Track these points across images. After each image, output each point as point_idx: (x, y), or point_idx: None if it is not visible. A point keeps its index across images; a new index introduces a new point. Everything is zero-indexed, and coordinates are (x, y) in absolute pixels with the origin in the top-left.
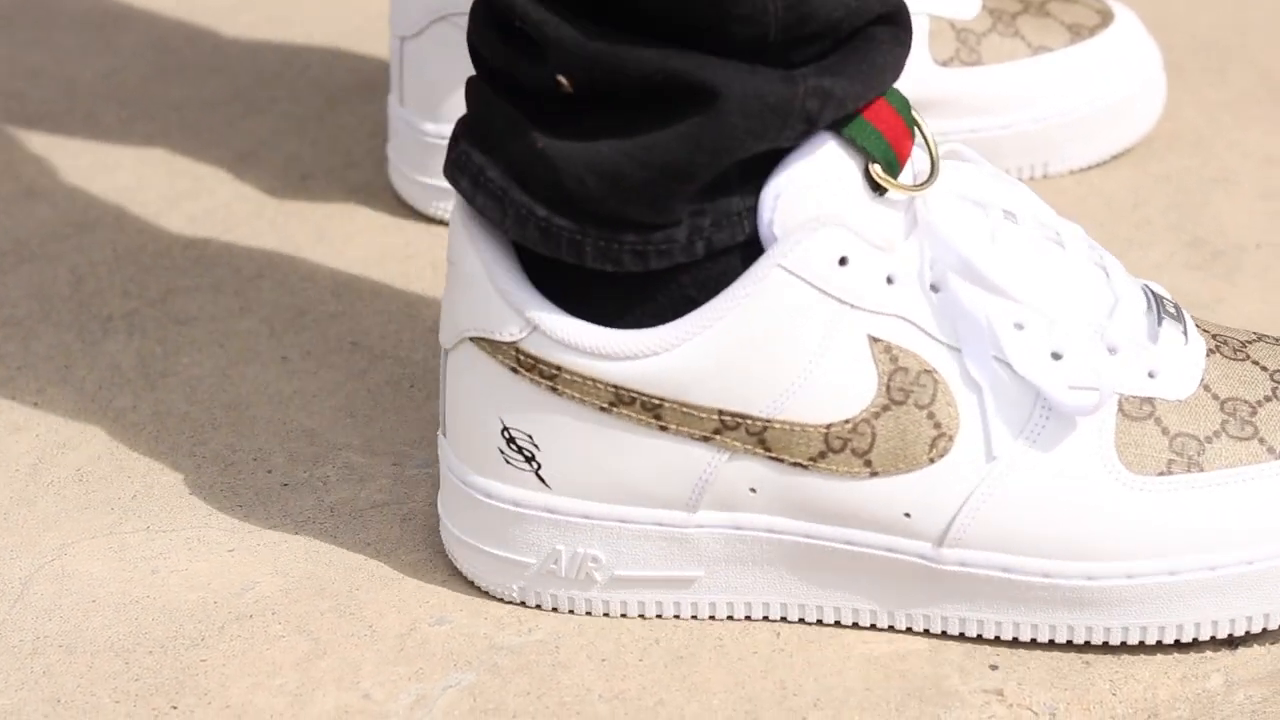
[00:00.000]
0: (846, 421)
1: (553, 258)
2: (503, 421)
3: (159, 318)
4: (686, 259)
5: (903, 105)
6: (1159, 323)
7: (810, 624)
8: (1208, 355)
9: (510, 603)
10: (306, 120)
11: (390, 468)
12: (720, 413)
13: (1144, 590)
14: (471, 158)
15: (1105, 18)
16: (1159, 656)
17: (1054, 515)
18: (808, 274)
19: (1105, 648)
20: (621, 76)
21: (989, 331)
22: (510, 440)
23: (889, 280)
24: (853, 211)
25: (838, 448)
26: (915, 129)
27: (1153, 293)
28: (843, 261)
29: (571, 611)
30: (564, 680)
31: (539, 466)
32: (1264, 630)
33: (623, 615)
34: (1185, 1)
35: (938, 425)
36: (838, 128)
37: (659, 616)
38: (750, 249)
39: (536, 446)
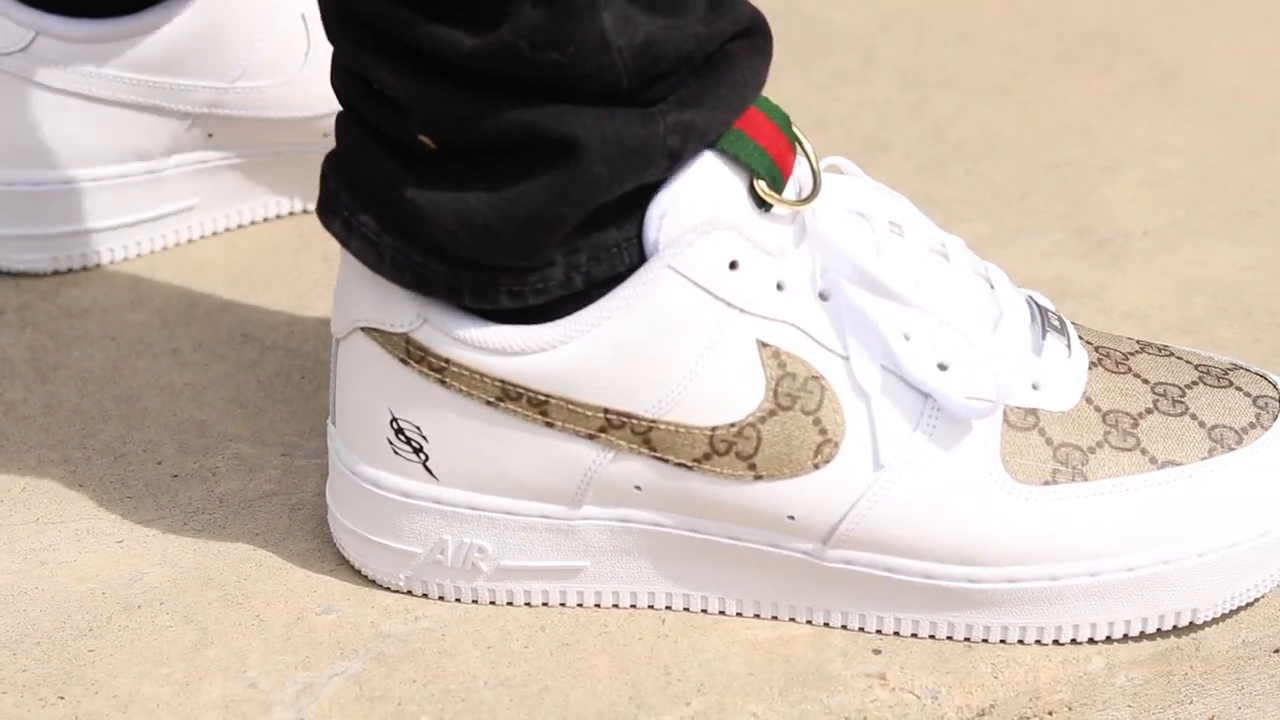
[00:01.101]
0: (732, 425)
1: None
2: (392, 412)
3: (51, 310)
4: (565, 293)
5: (783, 120)
6: (1043, 335)
7: (695, 612)
8: (1090, 368)
9: (397, 591)
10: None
11: (280, 459)
12: (606, 411)
13: (1026, 593)
14: (342, 199)
15: None
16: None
17: (939, 522)
18: (697, 276)
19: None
20: (480, 134)
21: (878, 340)
22: (399, 431)
23: (779, 287)
24: (742, 218)
25: (723, 450)
26: (796, 143)
27: (1037, 305)
28: (733, 265)
29: (458, 600)
30: (450, 668)
31: (427, 458)
32: (1141, 633)
33: (509, 604)
34: None
35: (823, 432)
36: (722, 148)
37: (545, 605)
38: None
39: (425, 438)
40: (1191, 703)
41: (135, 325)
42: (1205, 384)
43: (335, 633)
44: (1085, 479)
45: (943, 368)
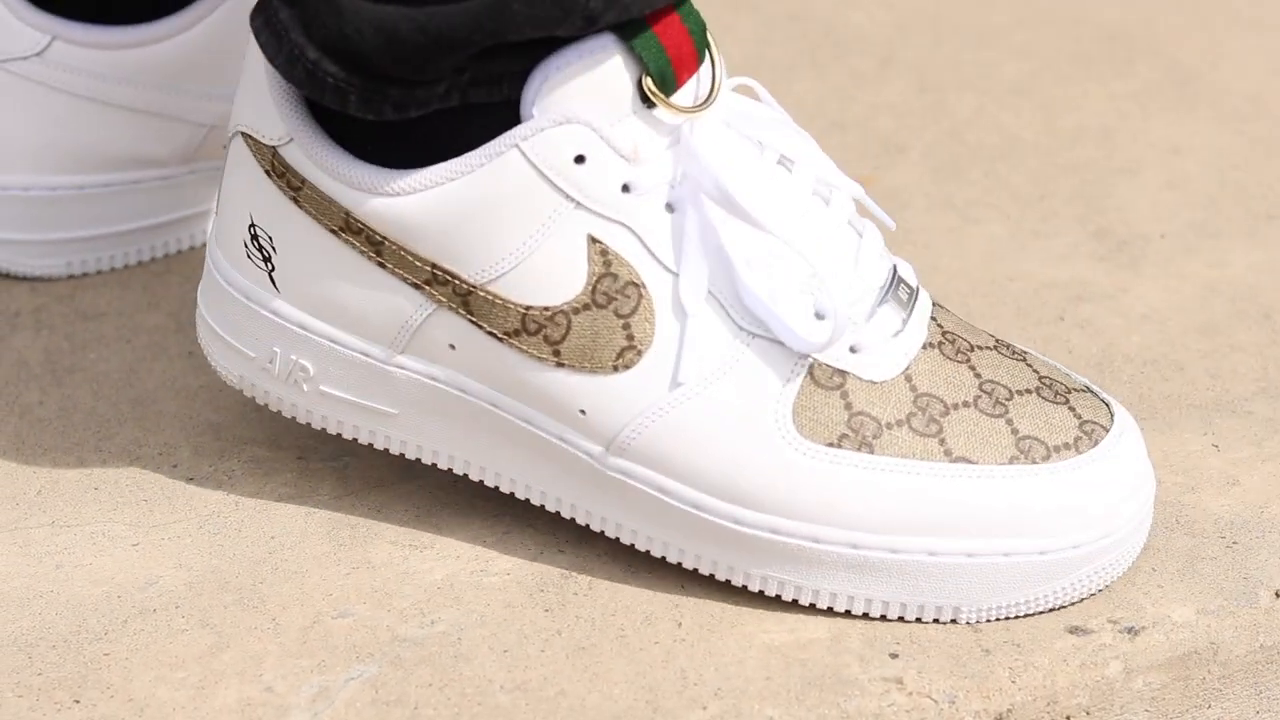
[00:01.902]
0: (546, 309)
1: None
2: (251, 218)
3: (66, 313)
4: (441, 106)
5: (698, 28)
6: (880, 303)
7: (707, 612)
8: (924, 348)
9: (233, 387)
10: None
11: (295, 462)
12: (434, 266)
13: (786, 549)
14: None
15: None
16: (1058, 644)
17: (716, 454)
18: (540, 163)
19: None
20: None
21: (719, 258)
22: (254, 237)
23: (624, 188)
24: (605, 115)
25: (532, 330)
26: (706, 52)
27: (897, 275)
28: (579, 159)
29: (280, 412)
30: (466, 672)
31: (273, 269)
32: (900, 618)
33: (325, 430)
34: None
35: (630, 338)
36: (626, 35)
37: (356, 440)
38: (509, 116)
39: (274, 249)
40: (1209, 707)
41: (150, 328)
42: (1040, 395)
43: (351, 636)
44: (871, 451)
45: (772, 299)
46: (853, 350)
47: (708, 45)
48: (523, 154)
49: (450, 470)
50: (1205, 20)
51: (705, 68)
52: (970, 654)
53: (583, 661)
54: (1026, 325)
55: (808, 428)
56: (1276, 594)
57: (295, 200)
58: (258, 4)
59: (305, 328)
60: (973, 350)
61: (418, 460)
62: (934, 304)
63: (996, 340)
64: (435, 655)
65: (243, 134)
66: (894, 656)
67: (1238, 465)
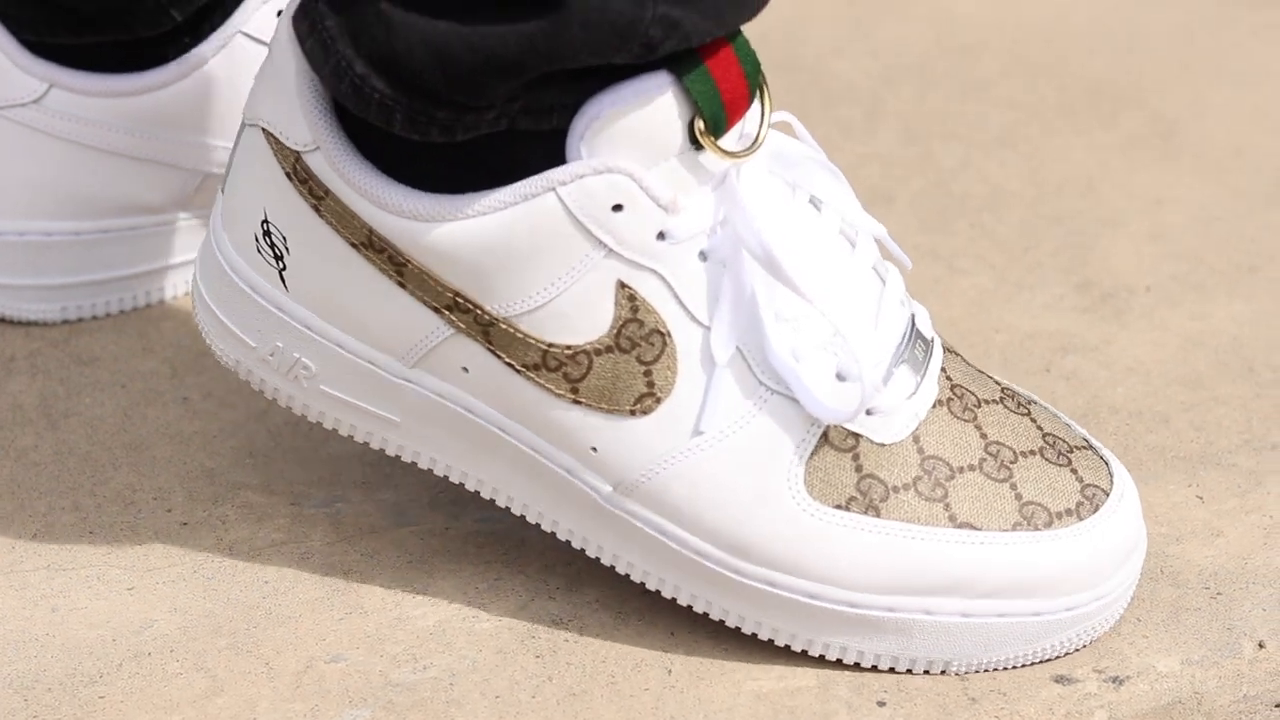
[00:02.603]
0: (569, 347)
1: (360, 116)
2: (265, 214)
3: (61, 358)
4: (489, 130)
5: (753, 67)
6: (896, 363)
7: (697, 658)
8: (934, 406)
9: (229, 370)
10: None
11: (288, 507)
12: (457, 294)
13: (783, 601)
14: (319, 4)
15: None
16: (1043, 693)
17: (724, 506)
18: (577, 210)
19: (976, 678)
20: None
21: (747, 312)
22: (267, 233)
23: (660, 236)
24: (649, 159)
25: (553, 366)
26: (758, 93)
27: (915, 328)
28: (617, 208)
29: (276, 402)
30: (458, 717)
31: (284, 268)
32: (891, 669)
33: (322, 425)
34: (1078, 44)
35: (651, 385)
36: (680, 72)
37: (352, 439)
38: (553, 145)
39: (287, 250)
40: None
41: (145, 373)
42: (1043, 457)
43: (344, 681)
44: (877, 514)
45: (796, 358)
46: (869, 413)
47: (760, 84)
48: (560, 199)
49: (446, 478)
50: (1189, 72)
51: (755, 108)
52: (957, 703)
53: (573, 708)
54: (1013, 376)
55: (818, 489)
56: (1260, 645)
57: (316, 209)
58: (300, 7)
59: (312, 329)
60: (980, 406)
61: (412, 464)
62: (946, 351)
63: (1003, 390)
64: (427, 700)
65: (264, 130)
66: (881, 705)
67: (1221, 517)
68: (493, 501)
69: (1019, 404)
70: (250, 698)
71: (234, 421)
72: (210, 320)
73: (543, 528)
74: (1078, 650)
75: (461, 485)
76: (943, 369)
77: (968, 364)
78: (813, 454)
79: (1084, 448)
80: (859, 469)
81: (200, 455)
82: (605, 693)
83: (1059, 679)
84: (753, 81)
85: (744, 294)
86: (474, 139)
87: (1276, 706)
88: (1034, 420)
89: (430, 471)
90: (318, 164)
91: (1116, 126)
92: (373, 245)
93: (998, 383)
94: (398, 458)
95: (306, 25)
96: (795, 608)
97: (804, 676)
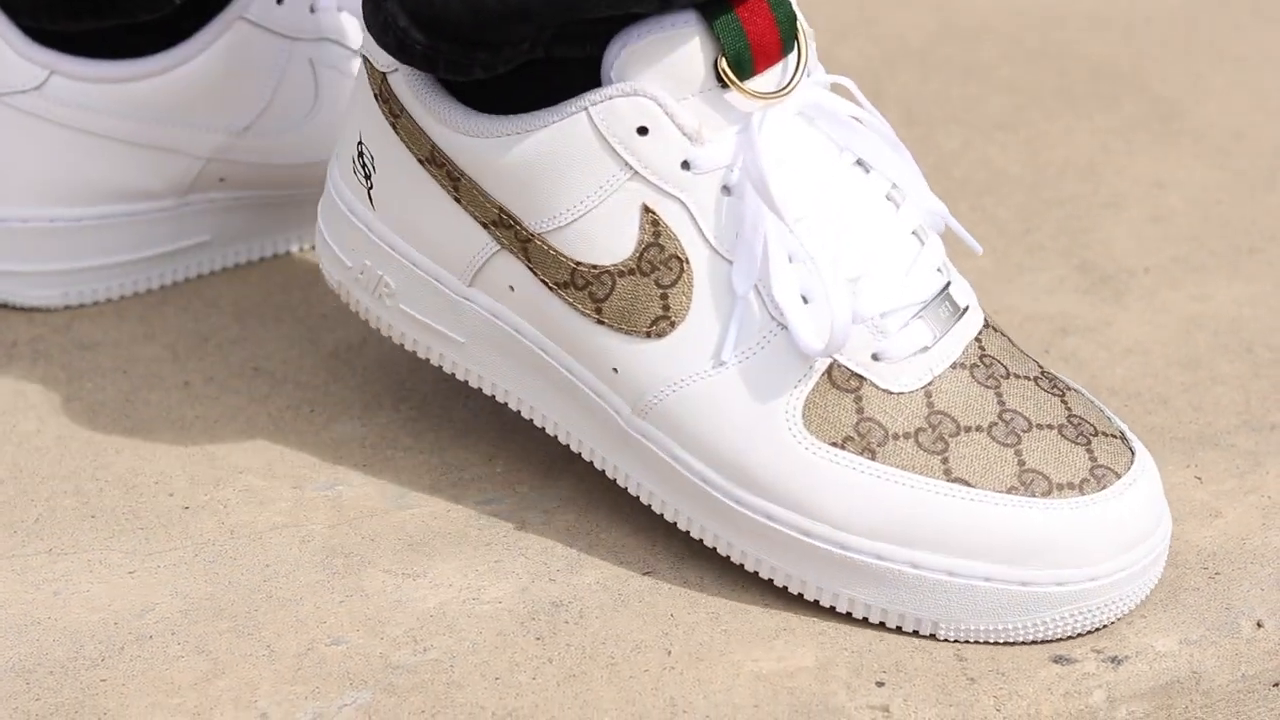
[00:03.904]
0: (595, 267)
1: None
2: (360, 135)
3: (63, 344)
4: (528, 58)
5: (787, 18)
6: (916, 316)
7: (696, 640)
8: (953, 368)
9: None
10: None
11: (290, 491)
12: (501, 209)
13: (779, 536)
14: None
15: None
16: (1042, 673)
17: (726, 432)
18: (605, 129)
19: (975, 658)
20: None
21: (761, 249)
22: (360, 154)
23: (684, 165)
24: (675, 90)
25: (580, 285)
26: (794, 43)
27: (947, 292)
28: (642, 131)
29: (367, 322)
30: (458, 699)
31: (371, 186)
32: (881, 624)
33: (401, 346)
34: (1079, 29)
35: (666, 308)
36: (710, 14)
37: (429, 361)
38: (592, 72)
39: (375, 168)
40: None
41: (147, 359)
42: (1061, 433)
43: (345, 663)
44: (873, 457)
45: (805, 300)
46: (875, 358)
47: (795, 36)
48: (590, 118)
49: (506, 405)
50: (1189, 56)
51: (793, 58)
52: (956, 682)
53: (573, 689)
54: None
55: (815, 424)
56: (1258, 624)
57: (393, 126)
58: None
59: (392, 246)
60: (1008, 378)
61: (479, 390)
62: (988, 326)
63: (1041, 372)
64: (428, 682)
65: (363, 56)
66: (880, 685)
67: (1220, 497)
68: (507, 404)
69: (1055, 386)
70: (251, 680)
71: (235, 406)
72: (322, 245)
73: (581, 455)
74: (1078, 636)
75: (464, 468)
76: (977, 339)
77: (1014, 345)
78: (814, 390)
79: (1114, 436)
80: (860, 410)
81: (202, 439)
82: (605, 674)
83: (1057, 659)
84: (786, 31)
85: (758, 231)
86: (522, 67)
87: (1275, 686)
88: (1065, 403)
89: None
90: (397, 84)
91: (1117, 110)
92: (434, 160)
93: (1041, 368)
94: (399, 442)
95: None
96: (790, 544)
97: (803, 657)
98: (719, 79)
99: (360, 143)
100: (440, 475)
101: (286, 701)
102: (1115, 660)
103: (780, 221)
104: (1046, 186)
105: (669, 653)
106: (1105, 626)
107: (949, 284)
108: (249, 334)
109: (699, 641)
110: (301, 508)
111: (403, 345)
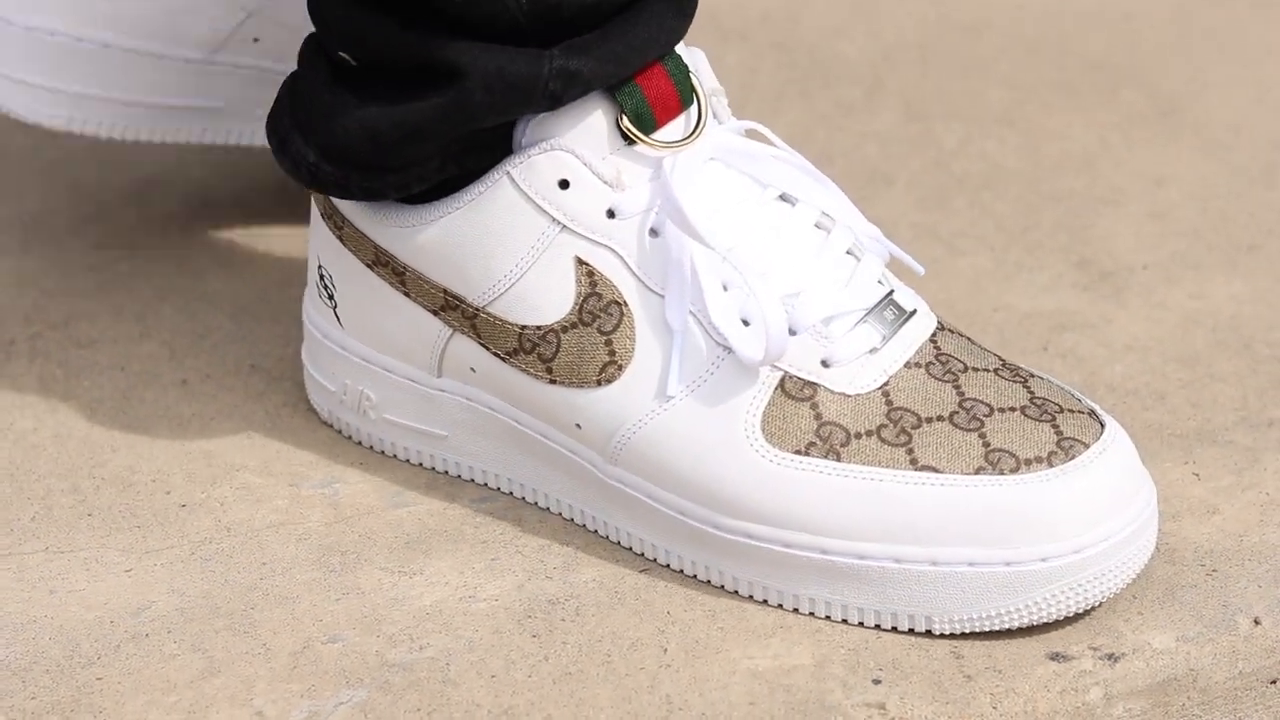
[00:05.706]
0: (539, 328)
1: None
2: (319, 259)
3: (61, 341)
4: (442, 178)
5: (681, 75)
6: (860, 322)
7: (692, 638)
8: (907, 366)
9: (324, 423)
10: (210, 147)
11: (287, 488)
12: (445, 291)
13: (761, 554)
14: (284, 103)
15: None
16: (1039, 670)
17: (694, 462)
18: (528, 188)
19: (971, 655)
20: (388, 56)
21: (694, 283)
22: (321, 278)
23: (609, 213)
24: (590, 148)
25: (528, 349)
26: (693, 96)
27: (890, 299)
28: (564, 184)
29: (355, 440)
30: (454, 697)
31: (336, 305)
32: (877, 626)
33: (394, 456)
34: (1078, 23)
35: (612, 353)
36: (611, 88)
37: (420, 465)
38: (508, 143)
39: (335, 287)
40: None
41: (144, 356)
42: (1024, 414)
43: (341, 661)
44: (838, 458)
45: (745, 323)
46: (825, 364)
47: (693, 89)
48: (512, 179)
49: (499, 489)
50: (1188, 50)
51: (694, 110)
52: (952, 680)
53: (569, 687)
54: (1011, 354)
55: (776, 436)
56: (1255, 621)
57: (340, 238)
58: (277, 100)
59: (364, 358)
60: (966, 371)
61: (471, 481)
62: (943, 328)
63: (1002, 364)
64: (424, 680)
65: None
66: (877, 682)
67: (1218, 494)
68: (499, 489)
69: (1016, 375)
70: (247, 678)
71: (232, 404)
72: (308, 380)
73: (566, 516)
74: (1072, 623)
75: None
76: (932, 339)
77: (972, 343)
78: (769, 404)
79: (1081, 413)
80: (818, 416)
81: (198, 437)
82: (601, 672)
83: (1054, 656)
84: (683, 86)
85: (686, 265)
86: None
87: (1272, 683)
88: (1028, 387)
89: None
90: (338, 199)
91: (1116, 105)
92: (379, 261)
93: (1002, 360)
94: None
95: (271, 127)
96: (774, 559)
97: (799, 655)
98: (624, 136)
99: (320, 266)
100: (436, 474)
101: (282, 699)
102: (1112, 657)
103: (710, 251)
104: (1045, 181)
105: (665, 650)
106: (1100, 605)
107: (892, 291)
108: (246, 332)
109: (695, 639)
110: (298, 505)
111: (395, 456)
